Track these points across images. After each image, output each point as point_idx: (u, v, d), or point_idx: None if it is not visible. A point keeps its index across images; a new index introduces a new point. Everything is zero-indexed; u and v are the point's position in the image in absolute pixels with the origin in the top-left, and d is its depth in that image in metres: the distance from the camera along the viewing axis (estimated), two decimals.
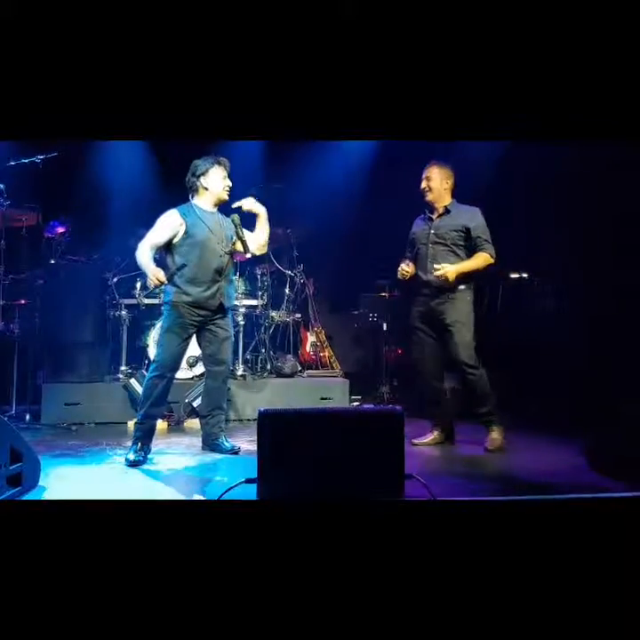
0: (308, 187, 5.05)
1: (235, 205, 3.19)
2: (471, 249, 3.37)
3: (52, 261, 4.51)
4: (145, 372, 4.15)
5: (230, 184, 3.15)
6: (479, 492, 2.27)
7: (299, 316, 5.18)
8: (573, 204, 4.63)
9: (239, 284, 4.92)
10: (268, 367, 4.81)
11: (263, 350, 4.90)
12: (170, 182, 4.48)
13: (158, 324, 4.48)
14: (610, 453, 2.82)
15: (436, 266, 3.26)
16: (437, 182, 3.39)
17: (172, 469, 2.92)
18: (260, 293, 4.91)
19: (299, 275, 5.18)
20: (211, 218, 3.12)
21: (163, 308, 3.17)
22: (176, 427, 4.12)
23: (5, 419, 2.24)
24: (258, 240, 3.22)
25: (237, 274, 4.65)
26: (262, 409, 2.25)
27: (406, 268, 3.37)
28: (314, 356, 5.05)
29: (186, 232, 3.04)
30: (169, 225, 3.06)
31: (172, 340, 3.03)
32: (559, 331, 4.77)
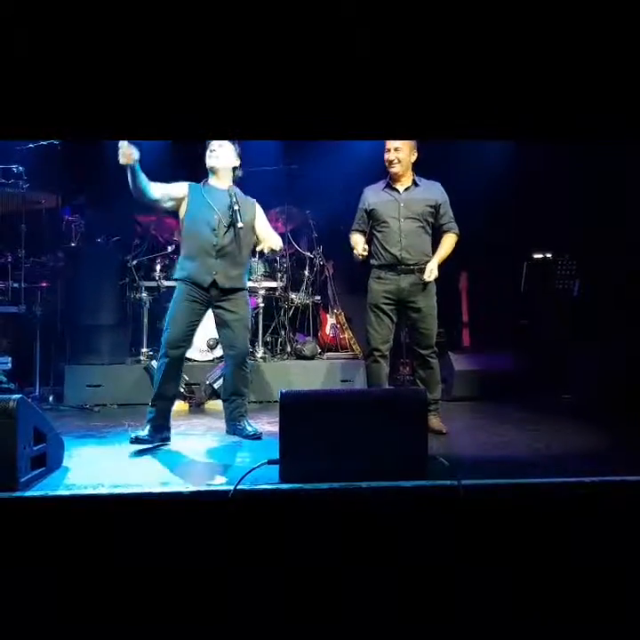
0: (328, 167, 4.98)
1: (260, 247, 3.16)
2: (436, 226, 3.31)
3: (73, 244, 4.54)
4: None
5: (213, 149, 3.04)
6: (504, 475, 2.24)
7: (318, 298, 5.15)
8: (597, 183, 4.51)
9: (258, 266, 4.90)
10: (288, 349, 4.80)
11: (283, 332, 4.89)
12: (189, 163, 4.46)
13: None
14: None
15: (424, 277, 3.17)
16: (406, 153, 3.24)
17: (194, 451, 2.93)
18: (279, 275, 4.88)
19: (318, 257, 5.13)
20: (216, 194, 3.06)
21: None
22: (197, 408, 4.14)
23: (29, 400, 2.25)
24: (270, 238, 3.15)
25: (257, 257, 4.61)
26: (284, 390, 2.23)
27: (365, 252, 3.23)
28: (333, 339, 5.02)
29: (188, 206, 3.03)
30: (174, 185, 3.04)
31: (175, 317, 2.98)
32: (581, 310, 4.68)
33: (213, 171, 3.10)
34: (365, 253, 3.25)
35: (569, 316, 4.72)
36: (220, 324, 3.10)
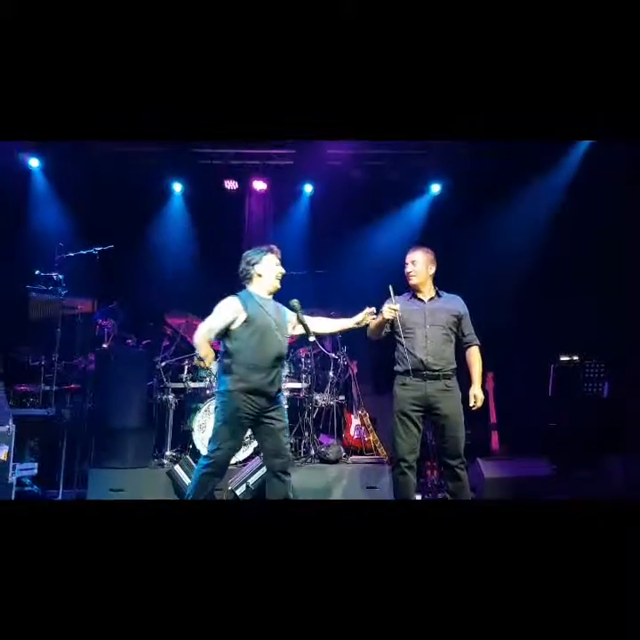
0: (352, 271, 5.16)
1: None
2: (457, 336, 3.40)
3: (105, 345, 4.67)
4: (189, 459, 4.13)
5: (283, 271, 3.20)
6: None
7: (342, 398, 5.13)
8: (623, 283, 4.55)
9: (283, 368, 4.95)
10: (312, 452, 4.72)
11: (307, 434, 4.83)
12: (219, 270, 4.67)
13: (203, 408, 4.50)
14: None
15: (471, 405, 3.29)
16: (422, 266, 3.38)
17: None
18: (303, 376, 4.90)
19: (342, 356, 5.17)
20: (269, 304, 3.15)
21: (217, 398, 3.08)
22: None
23: None
24: (323, 326, 3.29)
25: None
26: None
27: (394, 306, 3.22)
28: (358, 440, 4.94)
29: (246, 319, 3.03)
30: (230, 310, 3.03)
31: (229, 434, 2.96)
32: (612, 413, 4.56)
33: (274, 292, 3.20)
34: (397, 307, 3.24)
35: (599, 419, 4.60)
36: (269, 433, 3.06)
